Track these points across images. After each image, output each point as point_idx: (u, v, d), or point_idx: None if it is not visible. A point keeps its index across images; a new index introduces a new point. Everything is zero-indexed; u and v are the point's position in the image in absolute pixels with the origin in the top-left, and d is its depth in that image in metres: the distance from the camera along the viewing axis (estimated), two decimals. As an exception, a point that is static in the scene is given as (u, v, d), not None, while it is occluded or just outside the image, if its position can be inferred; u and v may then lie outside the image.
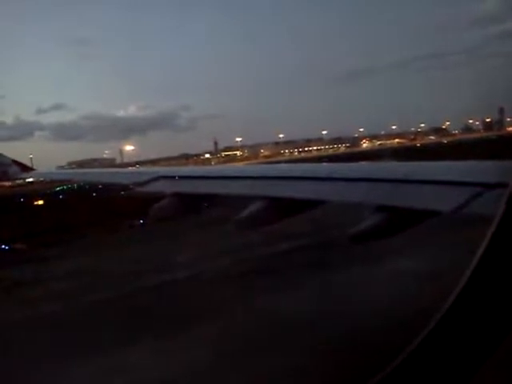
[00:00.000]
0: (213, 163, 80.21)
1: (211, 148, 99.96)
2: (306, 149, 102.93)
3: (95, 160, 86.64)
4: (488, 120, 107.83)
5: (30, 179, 26.07)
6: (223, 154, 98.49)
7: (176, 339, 12.63)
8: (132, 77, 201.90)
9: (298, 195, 6.51)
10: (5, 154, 14.06)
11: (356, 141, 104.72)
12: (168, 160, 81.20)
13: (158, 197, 8.12)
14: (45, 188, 41.96)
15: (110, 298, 16.76)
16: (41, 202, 39.81)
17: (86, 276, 19.88)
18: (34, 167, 15.18)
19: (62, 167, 60.54)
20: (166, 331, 13.04)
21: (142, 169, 26.09)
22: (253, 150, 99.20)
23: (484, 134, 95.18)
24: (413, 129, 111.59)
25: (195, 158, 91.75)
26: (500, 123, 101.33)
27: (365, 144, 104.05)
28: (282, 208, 6.52)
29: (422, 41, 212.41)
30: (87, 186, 30.98)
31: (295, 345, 11.13)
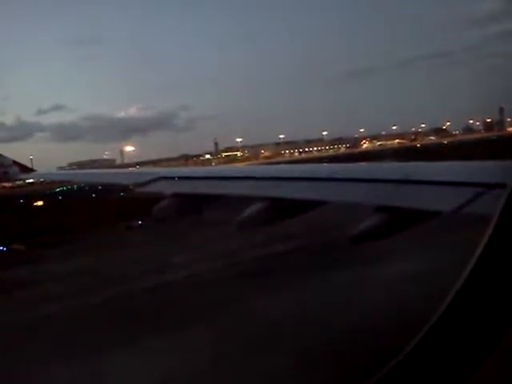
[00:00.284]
0: (213, 164, 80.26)
1: (211, 148, 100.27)
2: (307, 149, 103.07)
3: (95, 161, 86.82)
4: (488, 120, 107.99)
5: (31, 180, 26.14)
6: (223, 154, 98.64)
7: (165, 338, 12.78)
8: (132, 77, 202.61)
9: (299, 196, 6.51)
10: (5, 154, 14.08)
11: (356, 141, 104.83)
12: (168, 161, 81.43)
13: (158, 197, 8.12)
14: (45, 189, 42.04)
15: (102, 299, 16.67)
16: (40, 203, 39.87)
17: (79, 278, 19.83)
18: (35, 168, 15.20)
19: (62, 168, 60.64)
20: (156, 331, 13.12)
21: (143, 169, 26.11)
22: (253, 151, 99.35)
23: (484, 135, 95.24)
24: (413, 129, 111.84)
25: (195, 158, 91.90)
26: (500, 123, 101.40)
27: (365, 144, 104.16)
28: (282, 208, 6.51)
29: (422, 41, 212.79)
30: (87, 187, 31.02)
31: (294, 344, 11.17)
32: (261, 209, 6.46)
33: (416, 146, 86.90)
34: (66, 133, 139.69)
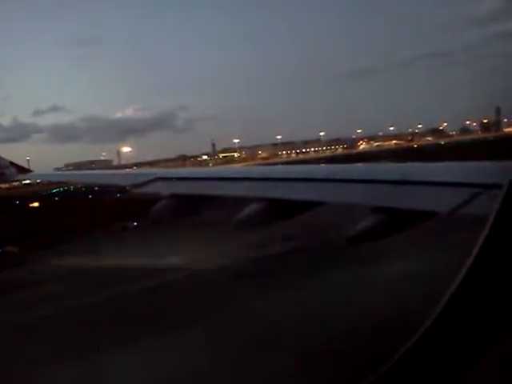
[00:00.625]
0: (210, 165, 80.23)
1: (209, 149, 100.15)
2: (304, 150, 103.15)
3: (92, 162, 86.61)
4: (485, 121, 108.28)
5: (27, 181, 26.07)
6: (221, 155, 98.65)
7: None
8: (130, 77, 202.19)
9: (296, 196, 6.51)
10: (2, 155, 14.02)
11: (354, 142, 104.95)
12: (166, 162, 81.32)
13: (155, 198, 8.11)
14: (41, 190, 41.92)
15: (91, 302, 16.61)
16: (36, 204, 39.75)
17: (70, 280, 19.83)
18: (31, 169, 15.14)
19: (59, 169, 60.41)
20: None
21: (140, 170, 26.07)
22: (251, 152, 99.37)
23: (481, 135, 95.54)
24: (410, 130, 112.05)
25: (193, 159, 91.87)
26: (497, 124, 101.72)
27: (362, 145, 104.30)
28: (280, 209, 6.52)
29: (422, 41, 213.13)
30: (83, 188, 30.94)
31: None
32: (258, 209, 6.47)
33: (413, 147, 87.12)
34: (63, 134, 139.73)
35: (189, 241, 23.35)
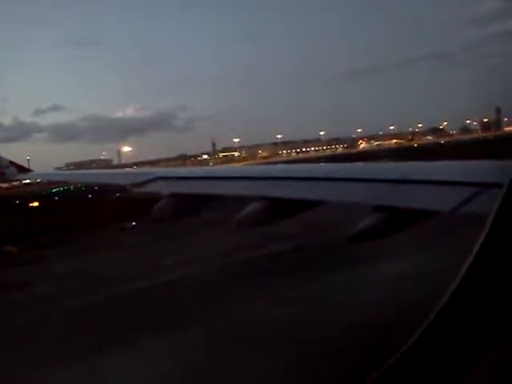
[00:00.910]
0: (211, 164, 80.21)
1: (209, 149, 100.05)
2: (304, 149, 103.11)
3: (93, 161, 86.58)
4: (485, 120, 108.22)
5: (27, 180, 26.11)
6: (221, 154, 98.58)
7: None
8: (130, 77, 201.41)
9: (297, 195, 6.52)
10: (2, 155, 14.03)
11: (354, 141, 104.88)
12: (166, 161, 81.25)
13: (155, 197, 8.12)
14: (42, 189, 41.90)
15: (86, 303, 16.56)
16: (36, 204, 39.71)
17: (66, 280, 19.81)
18: (32, 168, 15.16)
19: (59, 168, 60.42)
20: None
21: (140, 170, 26.08)
22: (251, 151, 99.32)
23: (481, 135, 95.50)
24: (410, 129, 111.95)
25: (193, 159, 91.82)
26: (497, 123, 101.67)
27: (362, 144, 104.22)
28: (280, 208, 6.53)
29: (422, 41, 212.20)
30: (83, 188, 30.94)
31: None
32: (259, 208, 6.48)
33: (413, 146, 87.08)
34: (63, 133, 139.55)
35: (188, 241, 23.36)
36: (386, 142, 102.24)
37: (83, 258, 23.18)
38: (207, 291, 15.94)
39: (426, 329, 2.19)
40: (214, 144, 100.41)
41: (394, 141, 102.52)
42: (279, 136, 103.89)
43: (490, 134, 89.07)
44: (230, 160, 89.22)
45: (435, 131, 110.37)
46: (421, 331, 2.20)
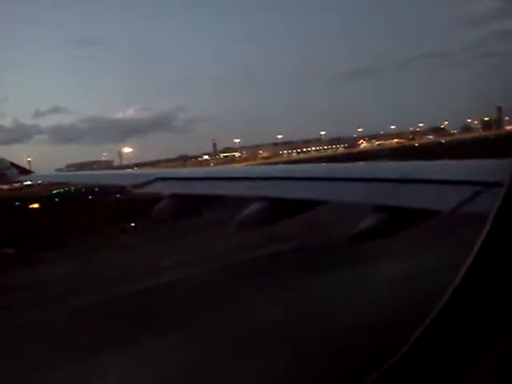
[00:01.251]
0: (211, 164, 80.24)
1: (210, 149, 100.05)
2: (305, 149, 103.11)
3: (94, 162, 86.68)
4: (486, 119, 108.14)
5: (29, 182, 26.18)
6: (222, 155, 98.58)
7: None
8: (130, 78, 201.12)
9: (298, 195, 6.51)
10: (3, 156, 14.05)
11: (355, 141, 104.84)
12: (167, 162, 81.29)
13: (156, 198, 8.11)
14: (42, 191, 41.99)
15: (82, 305, 16.46)
16: (36, 206, 39.72)
17: (62, 283, 19.71)
18: (33, 170, 15.17)
19: (60, 170, 60.52)
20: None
21: (141, 171, 26.10)
22: (251, 151, 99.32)
23: (483, 134, 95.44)
24: (411, 128, 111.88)
25: (193, 159, 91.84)
26: (498, 122, 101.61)
27: (363, 144, 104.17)
28: (281, 208, 6.52)
29: (421, 41, 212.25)
30: (83, 189, 30.96)
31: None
32: (260, 209, 6.47)
33: (414, 146, 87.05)
34: (64, 135, 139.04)
35: (189, 242, 23.34)
36: (387, 142, 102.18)
37: (81, 259, 23.11)
38: (207, 292, 15.92)
39: (427, 328, 2.19)
40: (214, 144, 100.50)
41: (395, 140, 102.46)
42: (280, 136, 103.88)
43: (491, 133, 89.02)
44: (231, 160, 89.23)
45: (436, 130, 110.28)
46: (421, 330, 2.19)
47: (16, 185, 36.40)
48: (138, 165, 68.22)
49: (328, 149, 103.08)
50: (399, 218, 5.28)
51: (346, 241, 5.78)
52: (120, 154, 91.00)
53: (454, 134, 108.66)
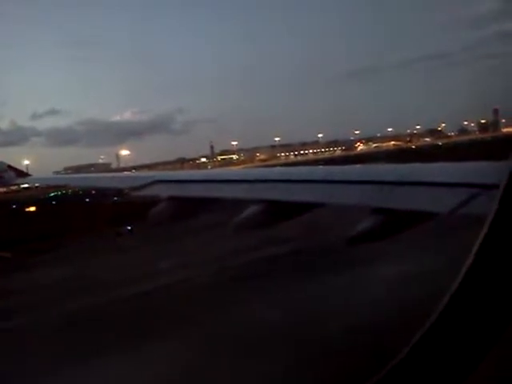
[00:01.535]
0: (209, 167, 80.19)
1: (207, 152, 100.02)
2: (302, 152, 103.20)
3: (92, 165, 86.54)
4: (483, 122, 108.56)
5: (26, 185, 26.08)
6: (219, 157, 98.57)
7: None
8: (127, 80, 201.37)
9: (295, 198, 6.51)
10: (0, 159, 14.01)
11: (352, 144, 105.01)
12: (164, 164, 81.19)
13: (154, 201, 8.10)
14: (40, 194, 41.87)
15: (78, 308, 16.37)
16: (33, 209, 39.58)
17: (58, 286, 19.68)
18: (30, 173, 15.15)
19: (58, 172, 60.34)
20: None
21: (138, 173, 26.05)
22: (249, 154, 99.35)
23: (479, 136, 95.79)
24: (409, 131, 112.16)
25: (191, 162, 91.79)
26: (495, 124, 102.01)
27: (360, 147, 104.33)
28: (278, 211, 6.52)
29: (421, 41, 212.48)
30: (81, 192, 30.87)
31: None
32: (257, 211, 6.47)
33: (411, 148, 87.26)
34: (61, 137, 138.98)
35: (186, 244, 23.27)
36: (384, 144, 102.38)
37: (77, 263, 23.07)
38: (204, 295, 15.88)
39: (427, 331, 2.19)
40: (212, 147, 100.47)
41: (392, 143, 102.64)
42: (277, 138, 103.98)
43: (487, 136, 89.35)
44: (229, 163, 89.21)
45: (433, 133, 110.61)
46: (421, 333, 2.19)
47: (13, 188, 36.25)
48: (135, 167, 68.28)
49: (325, 151, 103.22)
50: (397, 221, 5.29)
51: (343, 243, 5.78)
52: (118, 156, 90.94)
53: (451, 136, 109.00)
